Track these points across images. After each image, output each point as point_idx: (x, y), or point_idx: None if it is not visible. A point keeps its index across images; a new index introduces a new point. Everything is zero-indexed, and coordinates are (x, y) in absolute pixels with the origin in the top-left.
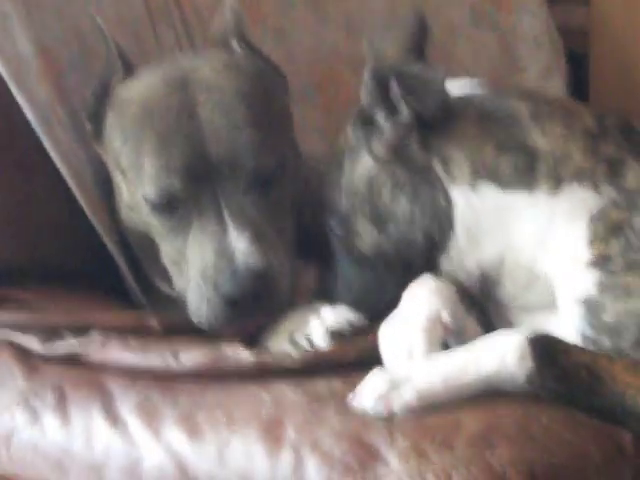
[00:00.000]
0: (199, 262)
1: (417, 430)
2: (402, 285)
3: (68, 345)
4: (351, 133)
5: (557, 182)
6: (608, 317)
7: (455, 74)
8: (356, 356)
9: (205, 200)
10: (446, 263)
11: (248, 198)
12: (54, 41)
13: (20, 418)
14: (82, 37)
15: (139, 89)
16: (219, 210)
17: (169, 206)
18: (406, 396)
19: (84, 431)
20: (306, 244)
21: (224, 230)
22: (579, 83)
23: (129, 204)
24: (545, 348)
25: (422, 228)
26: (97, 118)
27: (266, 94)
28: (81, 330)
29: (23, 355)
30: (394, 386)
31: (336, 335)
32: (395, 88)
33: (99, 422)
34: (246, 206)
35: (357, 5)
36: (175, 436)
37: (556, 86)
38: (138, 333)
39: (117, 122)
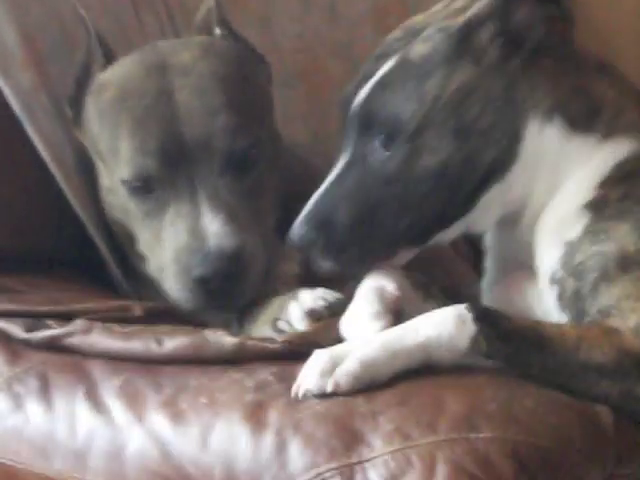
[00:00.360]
0: (173, 244)
1: (400, 413)
2: (439, 208)
3: (52, 332)
4: (445, 42)
5: (610, 131)
6: (579, 257)
7: None
8: (337, 337)
9: (180, 182)
10: (494, 191)
11: (223, 180)
12: (37, 29)
13: (3, 404)
14: (64, 24)
15: (117, 74)
16: (194, 192)
17: (145, 188)
18: (349, 367)
19: (67, 417)
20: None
21: (198, 212)
22: None
23: (108, 189)
24: (485, 313)
25: (496, 148)
26: (77, 104)
27: (245, 79)
28: (65, 317)
29: (7, 342)
30: (337, 361)
31: (314, 315)
32: (523, 10)
33: (82, 407)
34: (221, 188)
35: None
36: (158, 420)
37: None
38: (121, 320)
39: (95, 107)
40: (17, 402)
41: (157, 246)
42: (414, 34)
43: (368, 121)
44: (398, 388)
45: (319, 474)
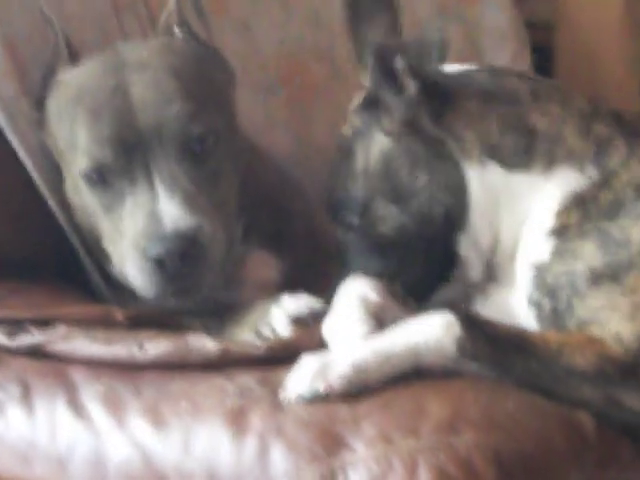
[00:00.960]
0: (132, 231)
1: (383, 417)
2: (423, 267)
3: (32, 338)
4: (358, 119)
5: (550, 162)
6: (550, 278)
7: None
8: (319, 343)
9: (137, 170)
10: (464, 243)
11: (180, 167)
12: (19, 37)
13: None
14: (44, 33)
15: (77, 73)
16: (150, 179)
17: (103, 180)
18: (342, 370)
19: (48, 423)
20: (271, 239)
21: (155, 197)
22: (545, 75)
23: (71, 188)
24: (471, 319)
25: (441, 203)
26: (41, 105)
27: (200, 73)
28: (46, 323)
29: None
30: (327, 364)
31: (298, 322)
32: (400, 62)
33: (63, 413)
34: (177, 174)
35: None
36: (140, 426)
37: None
38: (103, 325)
39: (55, 104)
40: None
41: (118, 238)
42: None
43: (336, 210)
44: (381, 393)
45: (301, 478)
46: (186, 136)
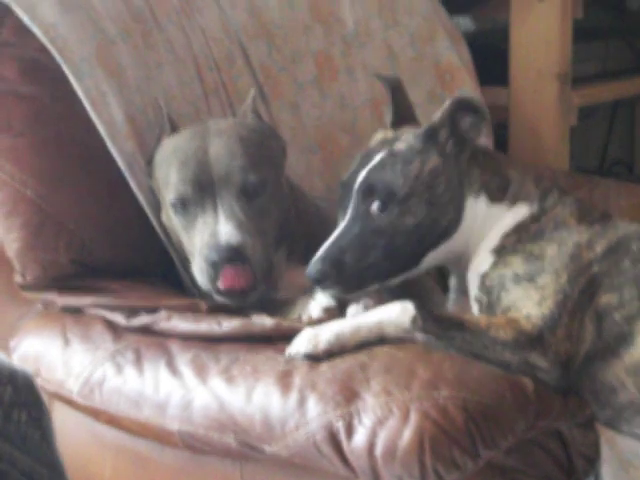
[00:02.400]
0: (199, 244)
1: (385, 377)
2: (407, 258)
3: (143, 319)
4: (418, 142)
5: (515, 199)
6: (488, 282)
7: None
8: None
9: (207, 203)
10: (442, 247)
11: (237, 203)
12: (137, 110)
13: (109, 370)
14: (155, 109)
15: (175, 138)
16: (216, 210)
17: (184, 208)
18: (326, 336)
19: (153, 379)
20: (305, 257)
21: (217, 222)
22: (502, 146)
23: (166, 215)
24: (422, 306)
25: (449, 215)
26: (150, 161)
27: (260, 141)
28: (152, 310)
29: (112, 326)
30: (318, 333)
31: (326, 310)
32: (466, 120)
33: (163, 372)
34: (235, 207)
35: (348, 86)
36: (216, 382)
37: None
38: (192, 311)
39: (158, 158)
40: (118, 369)
41: (193, 250)
42: (389, 142)
43: (369, 191)
44: (384, 362)
45: (328, 419)
46: (244, 182)
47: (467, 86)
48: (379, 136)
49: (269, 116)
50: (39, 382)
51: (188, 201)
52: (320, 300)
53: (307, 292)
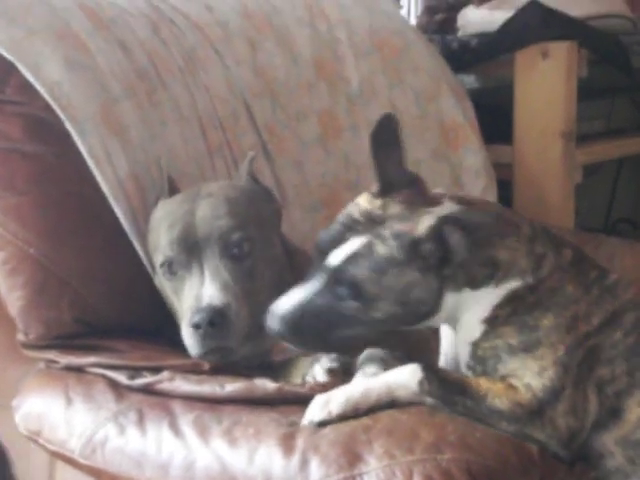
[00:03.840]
0: (185, 307)
1: (388, 440)
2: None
3: (146, 380)
4: (400, 253)
5: (504, 278)
6: (480, 352)
7: None
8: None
9: (193, 264)
10: (423, 324)
11: (222, 264)
12: (140, 169)
13: (112, 431)
14: (159, 167)
15: (166, 203)
16: (202, 270)
17: (171, 271)
18: (338, 402)
19: (156, 440)
20: None
21: (202, 283)
22: (506, 204)
23: (157, 278)
24: (429, 367)
25: (424, 309)
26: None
27: (249, 202)
28: (155, 370)
29: (114, 386)
30: (329, 399)
31: (330, 372)
32: (454, 237)
33: (166, 433)
34: (220, 269)
35: (352, 144)
36: (219, 444)
37: None
38: (194, 372)
39: (151, 222)
40: (121, 429)
41: (182, 313)
42: (373, 220)
43: (339, 279)
44: (386, 424)
45: None
46: (227, 241)
47: (471, 144)
48: (363, 202)
49: (273, 174)
50: (41, 442)
51: (175, 263)
52: (324, 363)
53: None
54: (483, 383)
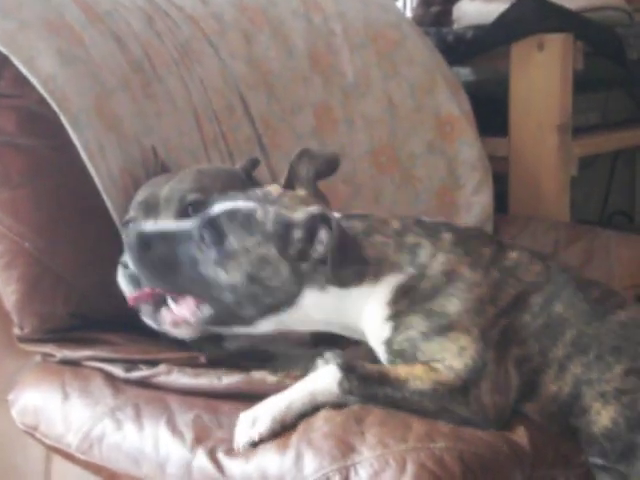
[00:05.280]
0: None
1: (381, 431)
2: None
3: (143, 373)
4: (272, 226)
5: (377, 276)
6: (396, 346)
7: (416, 190)
8: None
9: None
10: (273, 319)
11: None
12: (134, 163)
13: (109, 426)
14: (155, 155)
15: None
16: None
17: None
18: (264, 419)
19: (153, 437)
20: None
21: None
22: (502, 197)
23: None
24: (347, 365)
25: (275, 299)
26: None
27: (219, 179)
28: (152, 363)
29: (111, 380)
30: (255, 419)
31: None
32: (324, 237)
33: (164, 431)
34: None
35: (347, 137)
36: (215, 445)
37: (485, 199)
38: (191, 365)
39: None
40: (118, 425)
41: None
42: (267, 199)
43: (213, 223)
44: (379, 415)
45: (324, 474)
46: (182, 201)
47: (467, 136)
48: (268, 187)
49: (268, 167)
50: (37, 436)
51: (135, 222)
52: (326, 357)
53: (307, 346)
54: (402, 369)
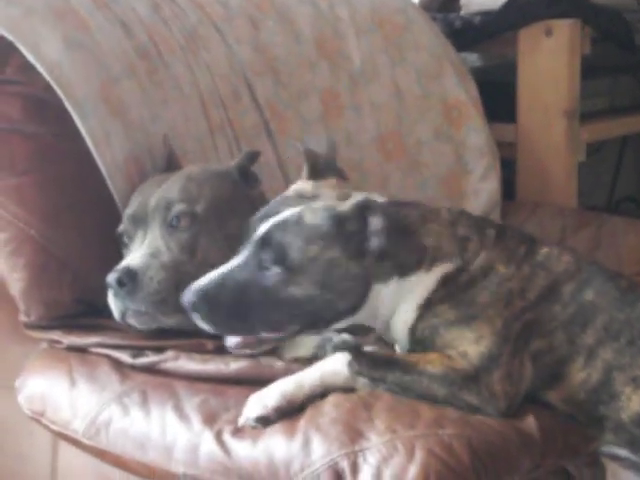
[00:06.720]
0: None
1: (389, 416)
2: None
3: (150, 359)
4: (327, 224)
5: (432, 265)
6: (418, 333)
7: (423, 176)
8: None
9: (139, 235)
10: (344, 322)
11: (160, 232)
12: (141, 150)
13: (116, 412)
14: (165, 143)
15: (149, 180)
16: (144, 240)
17: (122, 241)
18: (272, 396)
19: (160, 422)
20: None
21: (138, 251)
22: (509, 183)
23: None
24: (357, 350)
25: (347, 302)
26: None
27: (208, 183)
28: (159, 349)
29: (118, 366)
30: (264, 396)
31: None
32: (376, 222)
33: (171, 416)
34: (157, 237)
35: (354, 123)
36: (222, 429)
37: (493, 185)
38: (199, 352)
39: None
40: (125, 410)
41: None
42: (305, 196)
43: (267, 243)
44: (388, 402)
45: (332, 459)
46: (167, 212)
47: (474, 122)
48: (296, 186)
49: (275, 153)
50: (44, 422)
51: (125, 235)
52: (335, 341)
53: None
54: (414, 356)
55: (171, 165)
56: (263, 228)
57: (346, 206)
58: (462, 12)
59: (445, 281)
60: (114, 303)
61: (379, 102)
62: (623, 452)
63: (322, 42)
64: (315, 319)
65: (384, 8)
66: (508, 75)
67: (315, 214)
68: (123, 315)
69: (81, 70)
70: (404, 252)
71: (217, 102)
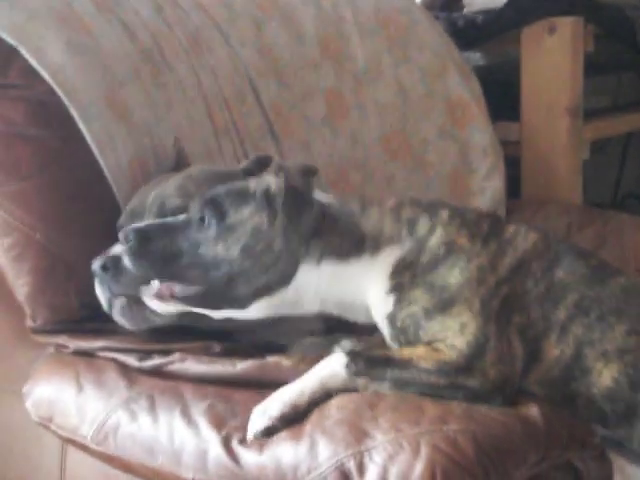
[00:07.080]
0: None
1: (393, 415)
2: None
3: (157, 361)
4: (259, 192)
5: (376, 249)
6: (399, 323)
7: (428, 175)
8: None
9: None
10: (270, 299)
11: None
12: (145, 153)
13: (123, 417)
14: (164, 150)
15: (153, 180)
16: None
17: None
18: (275, 407)
19: (168, 428)
20: None
21: None
22: (514, 181)
23: None
24: (353, 351)
25: (270, 276)
26: None
27: (205, 184)
28: (165, 352)
29: (125, 371)
30: (267, 407)
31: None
32: (274, 184)
33: (178, 421)
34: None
35: (359, 123)
36: (230, 434)
37: (497, 183)
38: (206, 353)
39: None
40: (133, 416)
41: None
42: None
43: (212, 201)
44: (392, 401)
45: (339, 460)
46: (162, 207)
47: (478, 121)
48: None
49: (280, 155)
50: (52, 428)
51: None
52: (343, 345)
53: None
54: (405, 351)
55: (179, 165)
56: (217, 189)
57: (271, 183)
58: (465, 11)
59: (404, 264)
60: (100, 291)
61: (383, 102)
62: (596, 428)
63: (326, 43)
64: (231, 288)
65: (387, 8)
66: (511, 73)
67: (258, 184)
68: (110, 305)
69: (85, 74)
70: (340, 236)
71: (221, 104)
